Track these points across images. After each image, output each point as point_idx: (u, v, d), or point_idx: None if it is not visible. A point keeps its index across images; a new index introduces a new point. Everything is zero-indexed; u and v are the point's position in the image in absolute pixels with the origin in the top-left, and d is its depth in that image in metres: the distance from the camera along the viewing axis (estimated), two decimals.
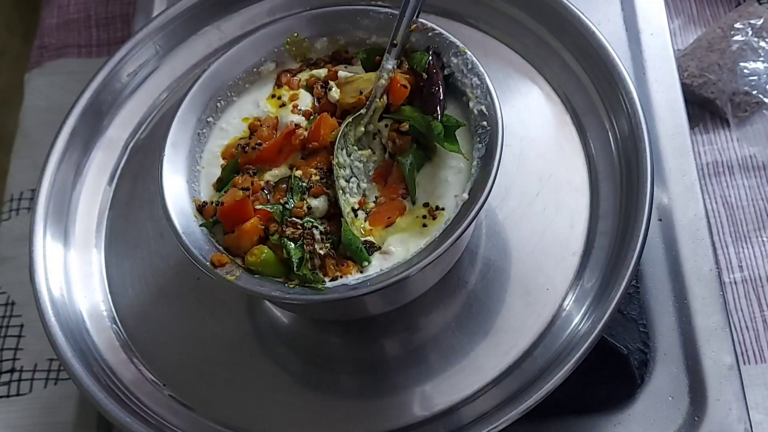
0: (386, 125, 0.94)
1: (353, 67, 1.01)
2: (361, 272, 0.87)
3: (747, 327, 1.11)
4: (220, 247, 0.89)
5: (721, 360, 0.97)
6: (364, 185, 0.93)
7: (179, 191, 0.92)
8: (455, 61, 0.95)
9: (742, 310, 1.12)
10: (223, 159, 0.96)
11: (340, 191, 0.90)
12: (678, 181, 1.07)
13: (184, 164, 0.94)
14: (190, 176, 0.94)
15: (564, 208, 0.99)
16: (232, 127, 0.99)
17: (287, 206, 0.89)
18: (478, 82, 0.93)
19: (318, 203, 0.90)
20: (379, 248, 0.89)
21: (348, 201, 0.91)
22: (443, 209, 0.90)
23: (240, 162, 0.93)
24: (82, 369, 0.94)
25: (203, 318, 1.01)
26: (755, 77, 1.22)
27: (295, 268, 0.86)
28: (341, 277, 0.87)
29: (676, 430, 0.95)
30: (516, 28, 1.09)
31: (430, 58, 0.95)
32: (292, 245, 0.87)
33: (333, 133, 0.92)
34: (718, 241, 1.16)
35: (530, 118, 1.05)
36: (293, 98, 0.98)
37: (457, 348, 0.94)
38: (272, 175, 0.93)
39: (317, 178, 0.91)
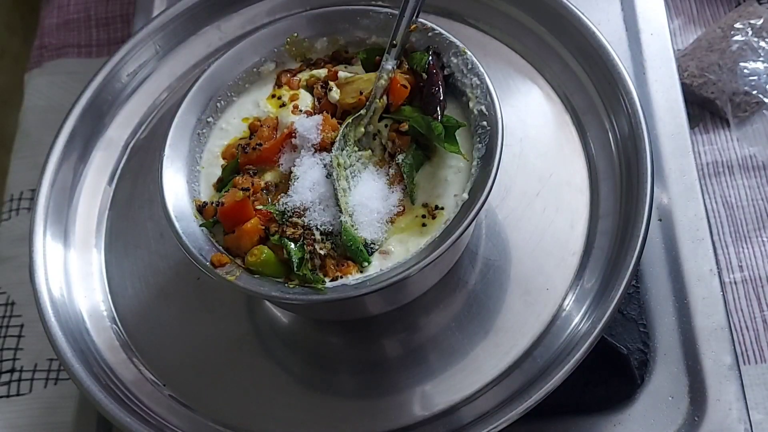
0: (386, 125, 0.94)
1: (353, 67, 1.01)
2: (361, 272, 0.87)
3: (747, 327, 1.11)
4: (220, 247, 0.89)
5: (721, 360, 0.97)
6: None
7: (179, 191, 0.92)
8: (455, 61, 0.95)
9: (742, 310, 1.12)
10: (224, 159, 0.96)
11: (341, 192, 0.90)
12: (678, 181, 1.07)
13: (184, 164, 0.94)
14: (190, 176, 0.94)
15: (564, 208, 0.99)
16: (232, 127, 0.99)
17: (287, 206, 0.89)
18: (478, 82, 0.93)
19: None
20: (379, 248, 0.89)
21: (348, 201, 0.91)
22: (443, 209, 0.90)
23: (240, 162, 0.93)
24: (82, 369, 0.94)
25: (203, 318, 1.01)
26: (755, 77, 1.22)
27: (295, 268, 0.86)
28: (341, 277, 0.87)
29: (676, 430, 0.95)
30: (516, 28, 1.09)
31: (430, 58, 0.95)
32: (293, 245, 0.87)
33: (333, 133, 0.92)
34: (718, 241, 1.16)
35: (530, 118, 1.05)
36: (293, 98, 0.98)
37: (457, 348, 0.94)
38: (273, 175, 0.93)
39: None
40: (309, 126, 0.92)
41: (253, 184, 0.91)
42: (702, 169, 1.21)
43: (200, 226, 0.90)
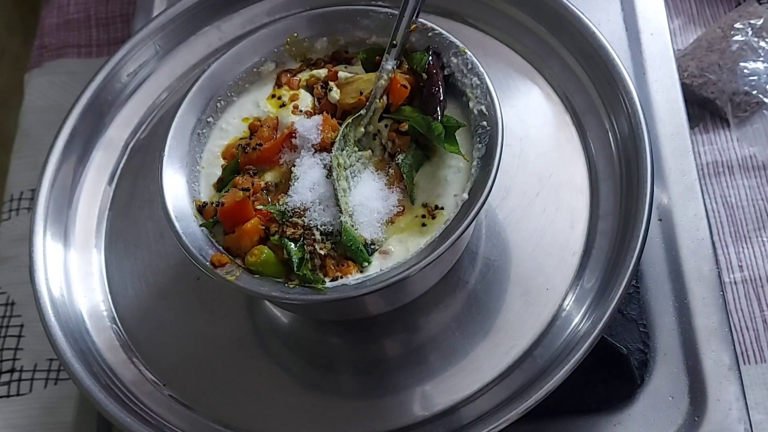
0: (386, 125, 0.94)
1: (353, 67, 1.01)
2: (361, 272, 0.87)
3: (747, 327, 1.11)
4: (220, 247, 0.89)
5: (721, 360, 0.97)
6: None
7: (179, 191, 0.92)
8: (455, 61, 0.95)
9: (742, 310, 1.12)
10: (224, 159, 0.96)
11: (341, 192, 0.90)
12: (678, 181, 1.07)
13: (184, 164, 0.94)
14: (190, 176, 0.94)
15: (564, 208, 0.99)
16: (232, 127, 0.99)
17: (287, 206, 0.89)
18: (478, 82, 0.93)
19: None
20: (379, 248, 0.89)
21: (348, 201, 0.91)
22: (442, 209, 0.90)
23: (240, 162, 0.93)
24: (82, 369, 0.94)
25: (203, 318, 1.01)
26: (755, 77, 1.22)
27: (295, 268, 0.86)
28: (341, 277, 0.87)
29: (676, 430, 0.95)
30: (516, 28, 1.09)
31: (430, 58, 0.95)
32: (293, 245, 0.87)
33: (333, 133, 0.92)
34: (718, 241, 1.16)
35: (530, 118, 1.05)
36: (293, 98, 0.98)
37: (457, 348, 0.94)
38: (273, 175, 0.93)
39: None
40: (309, 126, 0.92)
41: (253, 184, 0.91)
42: (702, 169, 1.21)
43: (200, 226, 0.90)
